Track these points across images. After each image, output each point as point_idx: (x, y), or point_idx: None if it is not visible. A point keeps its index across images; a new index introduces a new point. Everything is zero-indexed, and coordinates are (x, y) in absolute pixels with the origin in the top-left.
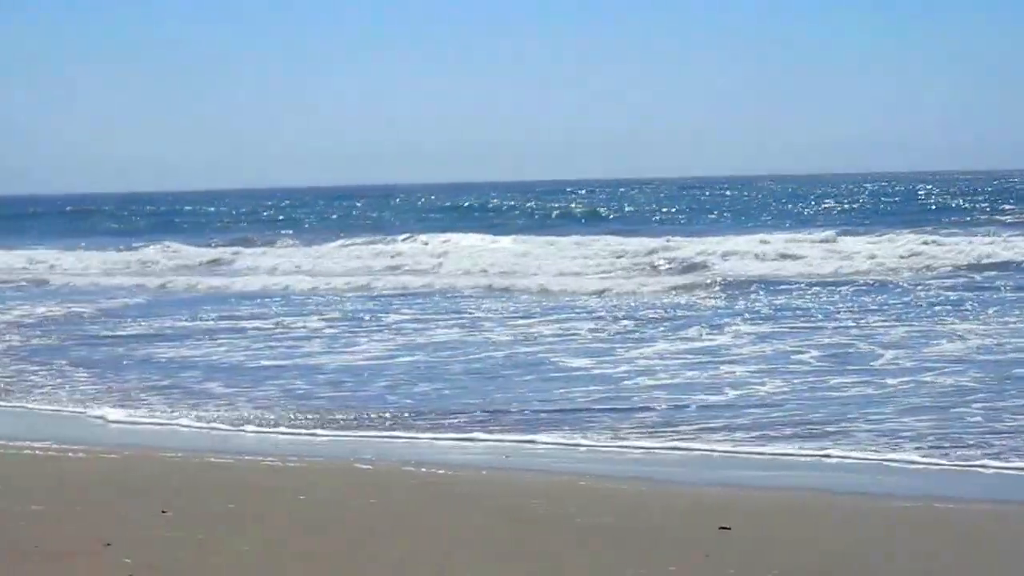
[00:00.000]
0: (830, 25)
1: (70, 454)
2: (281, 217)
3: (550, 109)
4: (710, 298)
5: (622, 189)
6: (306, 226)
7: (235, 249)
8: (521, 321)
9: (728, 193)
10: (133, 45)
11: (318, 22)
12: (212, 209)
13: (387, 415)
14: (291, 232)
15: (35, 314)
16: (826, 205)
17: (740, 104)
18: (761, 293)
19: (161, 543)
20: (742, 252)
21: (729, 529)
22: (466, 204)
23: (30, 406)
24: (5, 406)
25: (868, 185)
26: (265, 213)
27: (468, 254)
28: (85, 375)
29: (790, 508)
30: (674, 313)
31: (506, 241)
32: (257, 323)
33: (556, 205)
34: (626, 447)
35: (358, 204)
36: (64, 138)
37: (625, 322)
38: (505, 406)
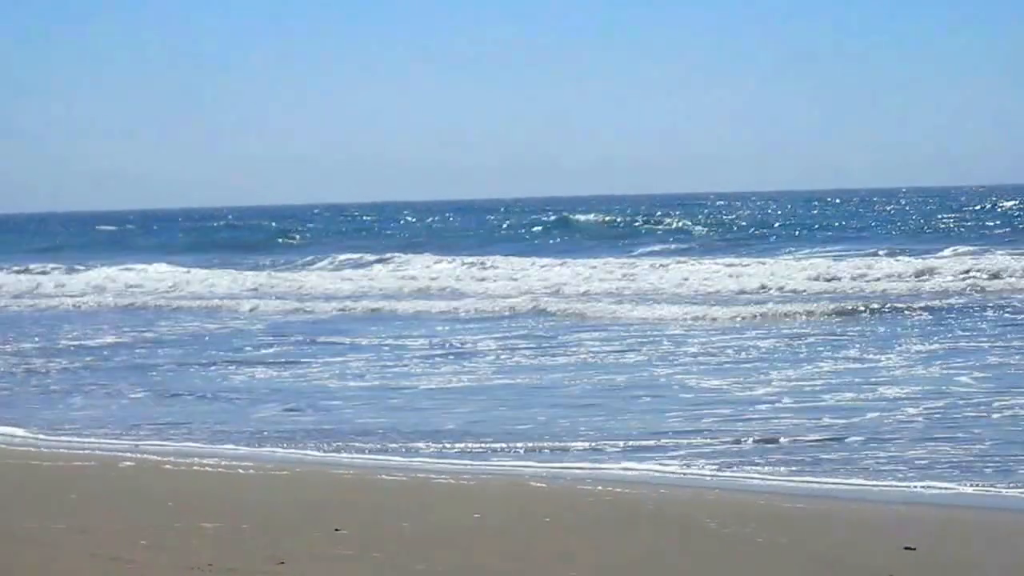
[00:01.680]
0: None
1: (240, 470)
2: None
3: (628, 124)
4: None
5: (721, 202)
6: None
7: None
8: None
9: (846, 207)
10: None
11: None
12: (311, 225)
13: (551, 435)
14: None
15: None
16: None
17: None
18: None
19: (335, 562)
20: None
21: (914, 550)
22: (626, 222)
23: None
24: (175, 421)
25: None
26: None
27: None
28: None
29: (978, 528)
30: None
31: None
32: (420, 342)
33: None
34: (802, 468)
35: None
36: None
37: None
38: (682, 427)
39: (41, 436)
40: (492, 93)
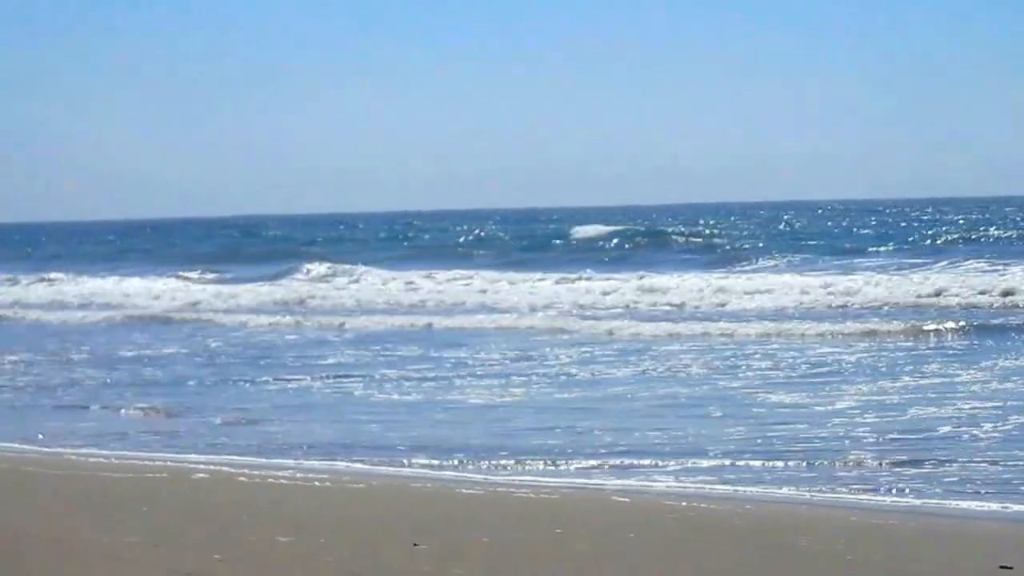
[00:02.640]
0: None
1: (316, 483)
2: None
3: (664, 132)
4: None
5: (789, 214)
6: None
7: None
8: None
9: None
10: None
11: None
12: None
13: (632, 449)
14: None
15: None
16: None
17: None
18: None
19: None
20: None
21: (1011, 568)
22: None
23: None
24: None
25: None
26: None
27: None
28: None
29: None
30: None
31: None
32: (493, 355)
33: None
34: (892, 484)
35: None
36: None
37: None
38: (766, 442)
39: (111, 449)
40: (531, 98)
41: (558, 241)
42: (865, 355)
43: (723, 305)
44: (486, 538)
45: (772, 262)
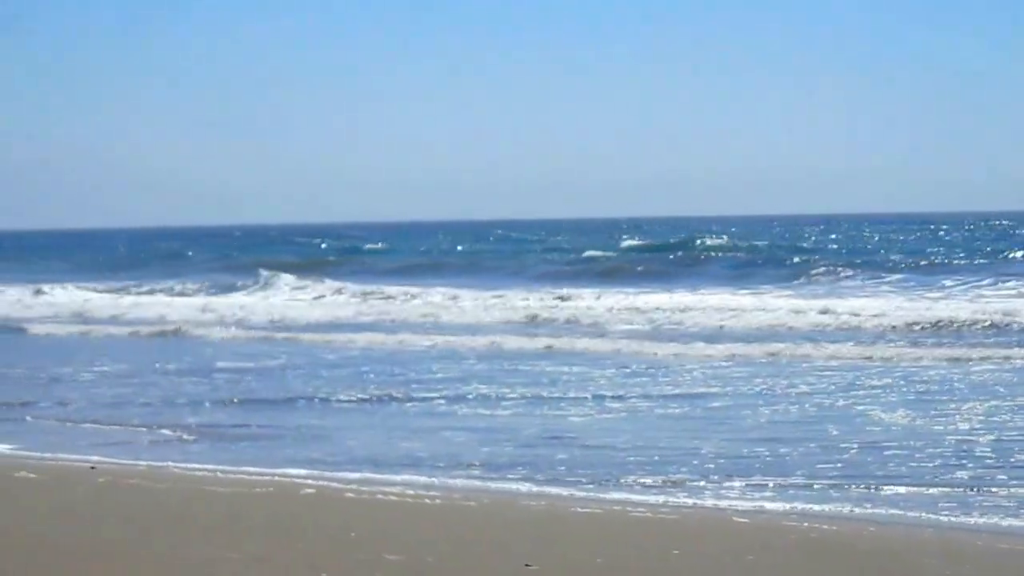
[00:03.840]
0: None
1: (426, 500)
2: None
3: (684, 143)
4: None
5: (820, 226)
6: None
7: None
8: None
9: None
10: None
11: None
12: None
13: (750, 468)
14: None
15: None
16: None
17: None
18: None
19: None
20: None
21: None
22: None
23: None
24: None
25: None
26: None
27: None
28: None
29: None
30: None
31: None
32: (608, 372)
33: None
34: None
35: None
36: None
37: None
38: (886, 463)
39: (216, 463)
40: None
41: (679, 253)
42: (962, 375)
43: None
44: (599, 559)
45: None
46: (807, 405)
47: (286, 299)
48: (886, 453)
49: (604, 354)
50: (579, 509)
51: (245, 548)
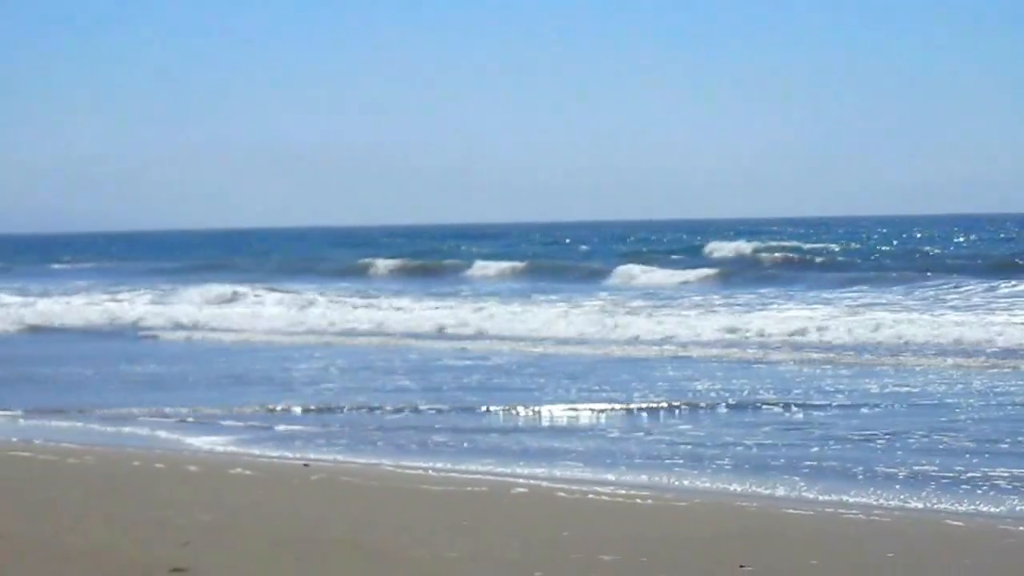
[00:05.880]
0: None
1: (638, 500)
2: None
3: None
4: None
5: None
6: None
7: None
8: None
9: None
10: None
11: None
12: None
13: (961, 469)
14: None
15: None
16: None
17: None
18: None
19: None
20: None
21: None
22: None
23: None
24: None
25: None
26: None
27: None
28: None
29: None
30: None
31: None
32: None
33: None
34: None
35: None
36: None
37: None
38: None
39: (427, 461)
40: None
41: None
42: None
43: None
44: (814, 560)
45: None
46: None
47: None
48: None
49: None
50: (792, 510)
51: (461, 547)
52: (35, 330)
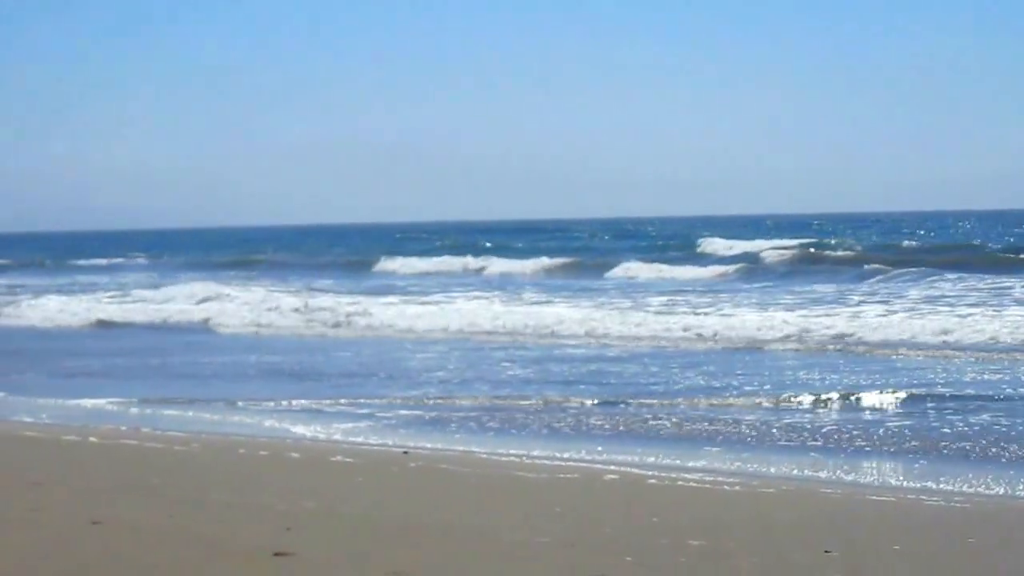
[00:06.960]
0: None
1: (725, 486)
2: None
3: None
4: None
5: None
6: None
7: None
8: None
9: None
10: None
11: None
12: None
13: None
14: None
15: None
16: None
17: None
18: None
19: None
20: None
21: None
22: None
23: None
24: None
25: None
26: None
27: None
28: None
29: None
30: None
31: None
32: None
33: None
34: None
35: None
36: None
37: None
38: None
39: (520, 448)
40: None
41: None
42: None
43: None
44: (897, 546)
45: None
46: None
47: None
48: None
49: None
50: (875, 497)
51: (554, 533)
52: (208, 325)
